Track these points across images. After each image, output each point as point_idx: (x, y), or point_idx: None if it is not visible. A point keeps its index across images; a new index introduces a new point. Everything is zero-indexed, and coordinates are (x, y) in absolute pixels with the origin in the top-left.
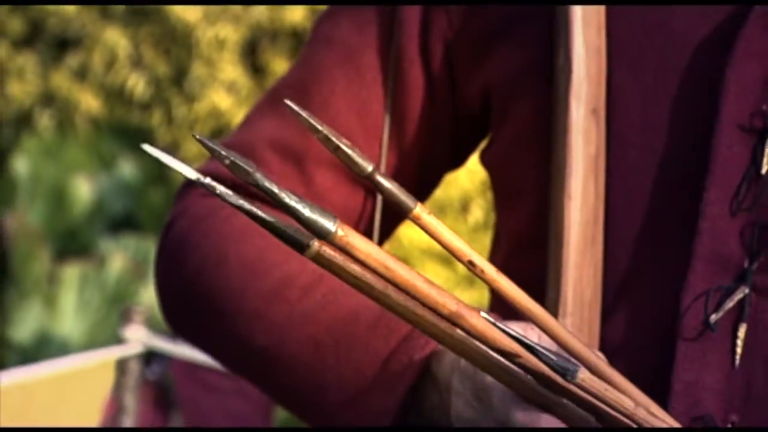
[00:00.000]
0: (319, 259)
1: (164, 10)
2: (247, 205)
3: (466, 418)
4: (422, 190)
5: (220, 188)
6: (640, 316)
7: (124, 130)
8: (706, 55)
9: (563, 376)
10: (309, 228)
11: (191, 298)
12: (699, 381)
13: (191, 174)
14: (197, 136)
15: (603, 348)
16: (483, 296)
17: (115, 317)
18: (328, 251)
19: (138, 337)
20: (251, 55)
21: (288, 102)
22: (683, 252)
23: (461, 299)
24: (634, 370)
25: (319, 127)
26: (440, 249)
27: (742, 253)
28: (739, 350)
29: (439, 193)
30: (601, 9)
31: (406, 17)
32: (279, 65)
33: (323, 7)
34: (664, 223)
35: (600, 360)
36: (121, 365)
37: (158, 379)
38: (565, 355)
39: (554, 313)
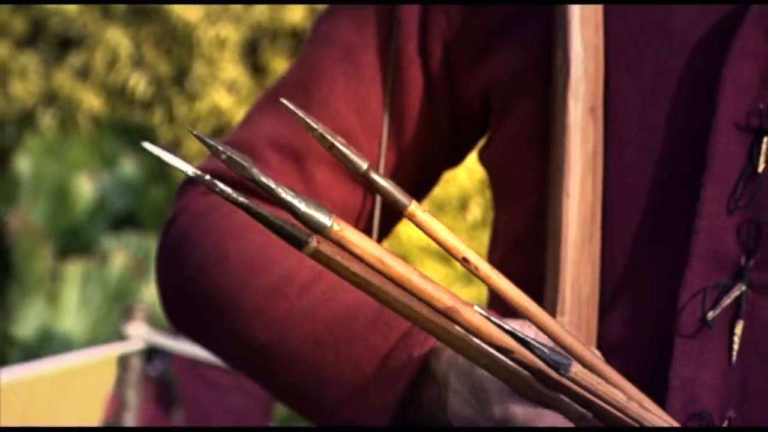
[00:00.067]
0: (317, 256)
1: (165, 10)
2: (246, 202)
3: (464, 416)
4: (421, 188)
5: (219, 185)
6: (637, 314)
7: (125, 129)
8: (704, 54)
9: (556, 370)
10: (305, 222)
11: (192, 295)
12: (696, 378)
13: (190, 171)
14: (194, 132)
15: (601, 345)
16: (481, 293)
17: (117, 314)
18: (325, 248)
19: (139, 334)
20: (251, 55)
21: (284, 101)
22: (680, 250)
23: (457, 295)
24: (632, 367)
25: (315, 126)
26: (439, 246)
27: (738, 250)
28: (736, 347)
29: (438, 191)
30: (598, 8)
31: (405, 17)
32: (279, 65)
33: (323, 7)
34: (661, 221)
35: (593, 355)
36: (123, 362)
37: (160, 376)
38: (559, 349)
39: (552, 310)
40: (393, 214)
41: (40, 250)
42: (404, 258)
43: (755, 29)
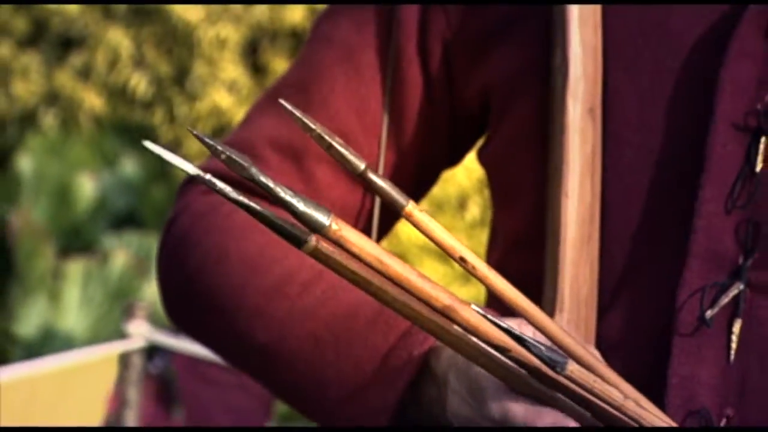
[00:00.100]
0: (317, 255)
1: (166, 10)
2: (245, 201)
3: (462, 415)
4: (420, 187)
5: (220, 184)
6: (636, 313)
7: (126, 129)
8: (702, 54)
9: (553, 368)
10: (303, 222)
11: (193, 294)
12: (695, 376)
13: (192, 170)
14: (194, 132)
15: (599, 344)
16: (480, 292)
17: (118, 312)
18: (325, 246)
19: (140, 332)
20: (252, 55)
21: (282, 102)
22: (679, 249)
23: (455, 294)
24: (631, 365)
25: (313, 126)
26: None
27: (736, 249)
28: (734, 345)
29: (437, 190)
30: (597, 8)
31: (405, 17)
32: (279, 65)
33: (323, 8)
34: (659, 221)
35: (590, 354)
36: (124, 359)
37: (160, 373)
38: (555, 348)
39: (551, 310)
40: (393, 213)
41: (41, 249)
42: (403, 257)
43: (753, 30)
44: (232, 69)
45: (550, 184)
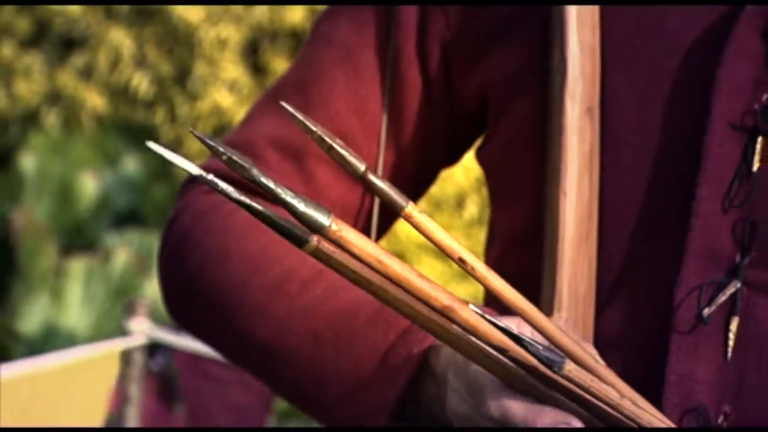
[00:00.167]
0: (318, 254)
1: (167, 10)
2: (247, 201)
3: (461, 413)
4: (419, 186)
5: (222, 184)
6: (634, 311)
7: (128, 128)
8: (699, 55)
9: (550, 367)
10: (304, 222)
11: (194, 292)
12: (692, 373)
13: (194, 170)
14: (196, 133)
15: (597, 342)
16: (478, 290)
17: (119, 310)
18: (326, 246)
19: (142, 329)
20: (252, 55)
21: (284, 104)
22: (676, 248)
23: (454, 294)
24: (629, 363)
25: (313, 128)
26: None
27: (733, 248)
28: (731, 343)
29: (435, 189)
30: (595, 9)
31: (404, 18)
32: (279, 65)
33: (322, 8)
34: (657, 220)
35: (587, 354)
36: (126, 356)
37: (162, 370)
38: (553, 348)
39: (549, 308)
40: (392, 213)
41: (44, 247)
42: (402, 255)
43: (750, 30)
44: (233, 69)
45: (549, 183)
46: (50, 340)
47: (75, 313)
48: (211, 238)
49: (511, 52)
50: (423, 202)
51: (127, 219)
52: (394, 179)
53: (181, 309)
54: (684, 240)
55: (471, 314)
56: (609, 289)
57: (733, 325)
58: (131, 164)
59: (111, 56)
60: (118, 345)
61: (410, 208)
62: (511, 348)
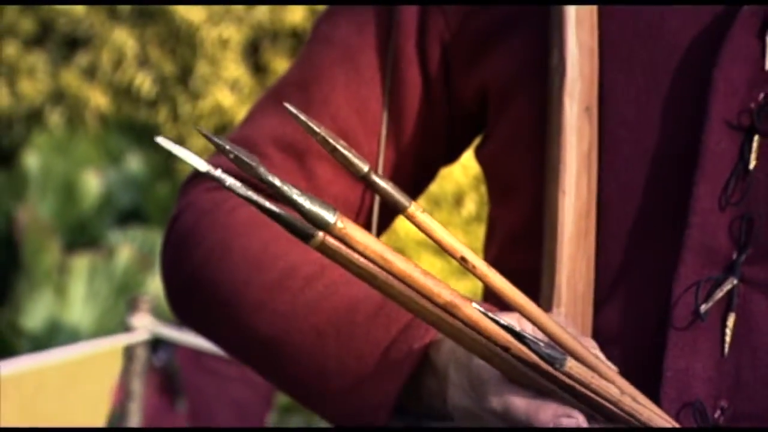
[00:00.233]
0: (324, 249)
1: (170, 11)
2: (254, 197)
3: (462, 407)
4: (419, 184)
5: (230, 180)
6: (632, 307)
7: (131, 127)
8: (696, 54)
9: (551, 364)
10: (310, 219)
11: (197, 289)
12: (689, 368)
13: (202, 166)
14: (203, 131)
15: (596, 338)
16: (476, 286)
17: (122, 306)
18: (332, 241)
19: (144, 325)
20: (253, 55)
21: (287, 105)
22: (674, 245)
23: (456, 290)
24: (627, 358)
25: (317, 129)
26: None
27: (730, 245)
28: (728, 339)
29: (434, 187)
30: (593, 9)
31: (404, 18)
32: (280, 64)
33: (323, 9)
34: (655, 217)
35: (588, 351)
36: (129, 352)
37: (164, 366)
38: (554, 345)
39: (548, 304)
40: (392, 210)
41: (48, 244)
42: (401, 252)
43: (746, 30)
44: (234, 68)
45: (548, 182)
46: (54, 336)
47: (78, 310)
48: (213, 235)
49: (510, 52)
50: (422, 200)
51: (130, 216)
52: (394, 177)
53: (184, 305)
54: (681, 237)
55: (474, 311)
56: (607, 285)
57: (730, 321)
58: (134, 163)
59: (114, 56)
60: (121, 341)
61: (413, 208)
62: (513, 345)
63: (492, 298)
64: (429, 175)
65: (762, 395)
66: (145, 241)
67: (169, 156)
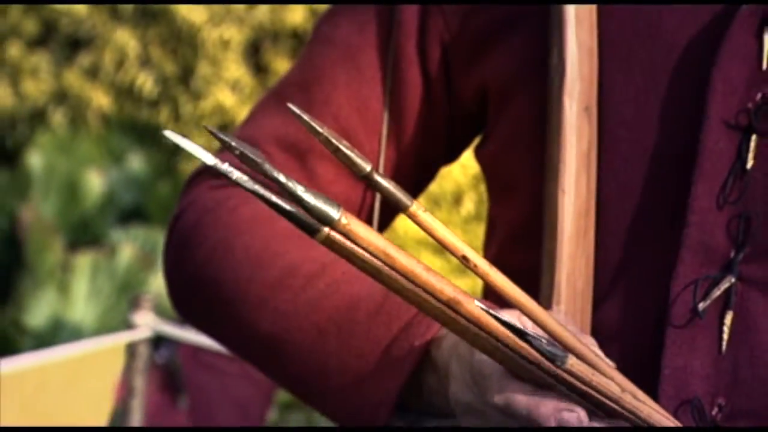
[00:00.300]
0: (329, 243)
1: (171, 12)
2: (261, 190)
3: (464, 402)
4: (419, 183)
5: (237, 173)
6: (630, 305)
7: (133, 126)
8: (694, 54)
9: (553, 362)
10: (314, 215)
11: (199, 286)
12: (687, 366)
13: (209, 159)
14: (209, 128)
15: (595, 335)
16: (475, 284)
17: (124, 304)
18: (336, 236)
19: (146, 323)
20: (254, 55)
21: (291, 106)
22: (672, 243)
23: (458, 286)
24: (626, 355)
25: (320, 130)
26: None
27: (728, 244)
28: (725, 337)
29: (433, 186)
30: (592, 8)
31: (404, 18)
32: (280, 65)
33: (323, 9)
34: (653, 216)
35: (588, 349)
36: (131, 349)
37: (166, 363)
38: (555, 342)
39: (548, 302)
40: (392, 209)
41: (51, 243)
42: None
43: (745, 30)
44: (235, 69)
45: (547, 181)
46: (57, 333)
47: (81, 307)
48: (215, 234)
49: (510, 51)
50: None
51: (132, 215)
52: (394, 177)
53: (187, 303)
54: (680, 236)
55: (476, 308)
56: (606, 284)
57: (728, 319)
58: (136, 162)
59: (116, 56)
60: (123, 338)
61: (415, 207)
62: (515, 342)
63: (492, 296)
64: (429, 175)
65: (759, 392)
66: (147, 240)
67: (171, 155)
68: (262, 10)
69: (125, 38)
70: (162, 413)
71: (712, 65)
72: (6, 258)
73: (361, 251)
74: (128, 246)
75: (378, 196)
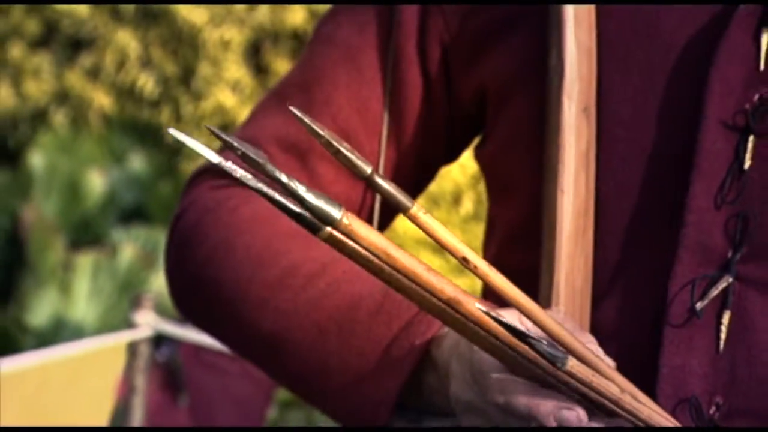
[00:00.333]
0: (331, 240)
1: (172, 13)
2: (264, 188)
3: (465, 400)
4: (419, 183)
5: (240, 171)
6: (629, 304)
7: (134, 127)
8: (692, 55)
9: (553, 363)
10: (316, 215)
11: (200, 285)
12: (685, 365)
13: (214, 157)
14: (212, 129)
15: (594, 334)
16: (475, 283)
17: (126, 303)
18: (339, 235)
19: (147, 322)
20: (255, 56)
21: (292, 108)
22: (670, 243)
23: (459, 285)
24: (624, 354)
25: (321, 133)
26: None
27: (726, 244)
28: (723, 336)
29: (432, 186)
30: (591, 9)
31: (404, 18)
32: (281, 65)
33: (323, 10)
34: (651, 216)
35: (588, 350)
36: (132, 348)
37: (167, 362)
38: (555, 344)
39: (547, 301)
40: (392, 209)
41: (52, 242)
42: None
43: (742, 30)
44: (236, 69)
45: (546, 181)
46: (59, 332)
47: (83, 306)
48: (216, 233)
49: (510, 51)
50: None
51: (133, 215)
52: (394, 177)
53: (188, 302)
54: (678, 235)
55: (476, 309)
56: (605, 283)
57: (725, 319)
58: (137, 162)
59: (117, 57)
60: (124, 337)
61: (415, 209)
62: (516, 343)
63: (492, 295)
64: (429, 175)
65: (757, 391)
66: (148, 239)
67: (172, 155)
68: (263, 11)
69: (126, 39)
70: (163, 411)
71: (710, 66)
72: (7, 257)
73: (362, 251)
74: (129, 245)
75: (378, 196)
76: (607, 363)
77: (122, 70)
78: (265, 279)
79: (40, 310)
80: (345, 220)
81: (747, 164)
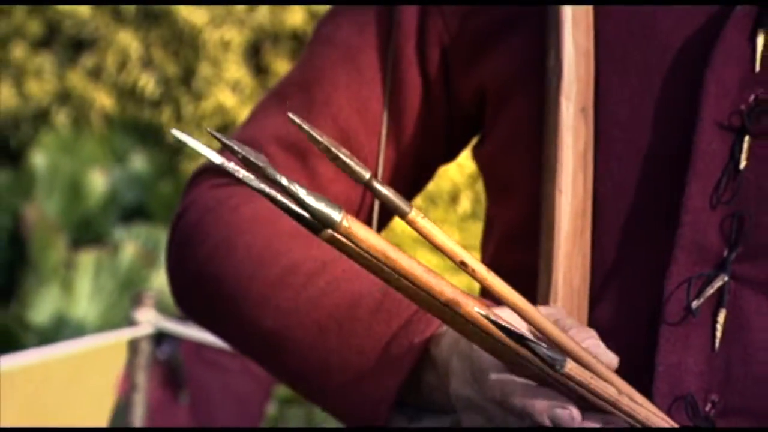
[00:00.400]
0: (333, 241)
1: (173, 13)
2: (267, 189)
3: (465, 397)
4: (418, 183)
5: (242, 172)
6: (625, 303)
7: (135, 127)
8: (689, 55)
9: (552, 366)
10: (316, 217)
11: (201, 284)
12: (681, 363)
13: (216, 158)
14: (213, 132)
15: None
16: (472, 282)
17: (127, 301)
18: (339, 236)
19: (148, 319)
20: (255, 56)
21: (291, 115)
22: (666, 243)
23: (457, 287)
24: (621, 352)
25: (320, 139)
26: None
27: (721, 243)
28: (718, 334)
29: (430, 185)
30: (589, 10)
31: (404, 19)
32: (280, 66)
33: (322, 11)
34: (648, 215)
35: (587, 353)
36: (133, 346)
37: (168, 359)
38: (554, 347)
39: (545, 300)
40: (391, 209)
41: (54, 241)
42: (399, 248)
43: (738, 31)
44: (236, 70)
45: (545, 181)
46: (60, 330)
47: (84, 304)
48: (217, 232)
49: (509, 52)
50: (419, 198)
51: (134, 214)
52: (393, 176)
53: (189, 300)
54: (674, 235)
55: (474, 312)
56: (602, 282)
57: (721, 317)
58: (138, 161)
59: (119, 57)
60: (125, 335)
61: (413, 213)
62: (514, 346)
63: (490, 295)
64: (428, 174)
65: (752, 389)
66: (149, 238)
67: (173, 155)
68: (263, 12)
69: (128, 40)
70: (163, 408)
71: (706, 67)
72: (10, 256)
73: (361, 252)
74: (131, 244)
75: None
76: (609, 358)
77: (123, 70)
78: (266, 277)
79: (42, 308)
80: (345, 223)
81: (742, 165)
